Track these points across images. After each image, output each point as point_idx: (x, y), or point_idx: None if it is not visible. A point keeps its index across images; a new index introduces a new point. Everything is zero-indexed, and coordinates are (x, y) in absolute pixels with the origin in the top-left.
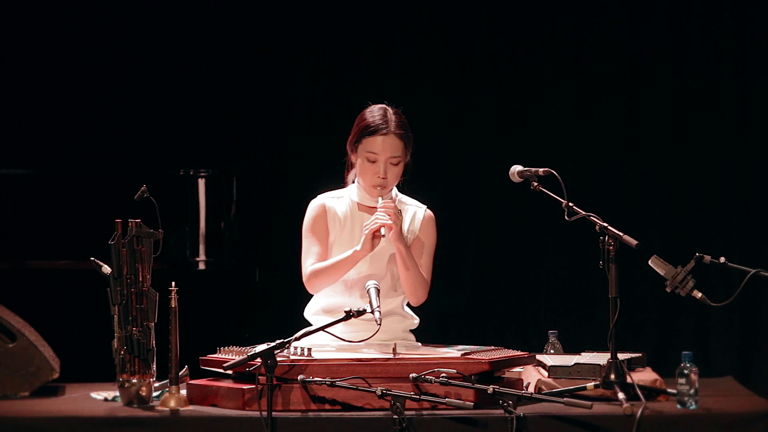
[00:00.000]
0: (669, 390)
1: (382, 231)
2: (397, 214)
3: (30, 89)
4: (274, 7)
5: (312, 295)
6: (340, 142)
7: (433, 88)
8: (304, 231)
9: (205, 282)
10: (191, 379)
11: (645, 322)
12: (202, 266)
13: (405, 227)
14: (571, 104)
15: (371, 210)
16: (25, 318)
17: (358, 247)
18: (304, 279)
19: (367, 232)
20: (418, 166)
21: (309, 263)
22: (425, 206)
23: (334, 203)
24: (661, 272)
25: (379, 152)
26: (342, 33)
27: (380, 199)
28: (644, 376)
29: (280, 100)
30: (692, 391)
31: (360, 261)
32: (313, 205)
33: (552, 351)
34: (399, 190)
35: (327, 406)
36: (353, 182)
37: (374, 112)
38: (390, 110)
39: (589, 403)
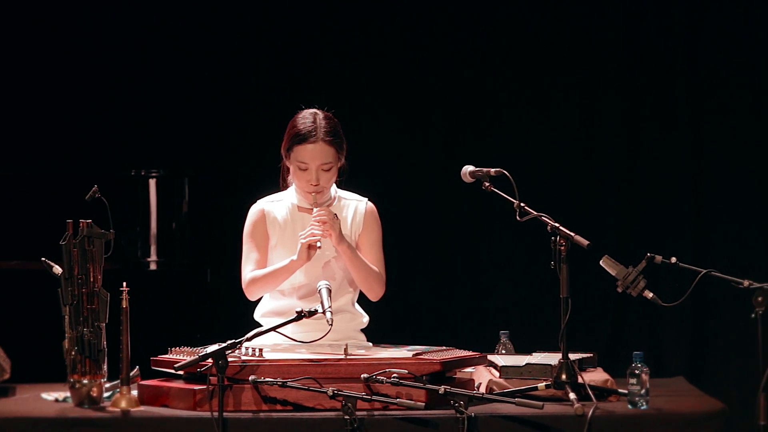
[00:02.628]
0: (620, 390)
1: (318, 244)
2: (333, 219)
3: None
4: (222, 9)
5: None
6: None
7: (386, 87)
8: (244, 236)
9: (157, 282)
10: (142, 379)
11: (596, 322)
12: (153, 267)
13: (348, 222)
14: (524, 104)
15: (311, 211)
16: None
17: (295, 257)
18: (243, 285)
19: (303, 241)
20: (373, 166)
21: (248, 270)
22: (366, 199)
23: (273, 207)
24: (613, 272)
25: (310, 161)
26: (293, 33)
27: (315, 209)
28: (595, 376)
29: (232, 101)
30: (643, 391)
31: (298, 270)
32: (252, 211)
33: (503, 351)
34: (343, 185)
35: (278, 407)
36: (292, 185)
37: (303, 119)
38: (320, 115)
39: (541, 403)
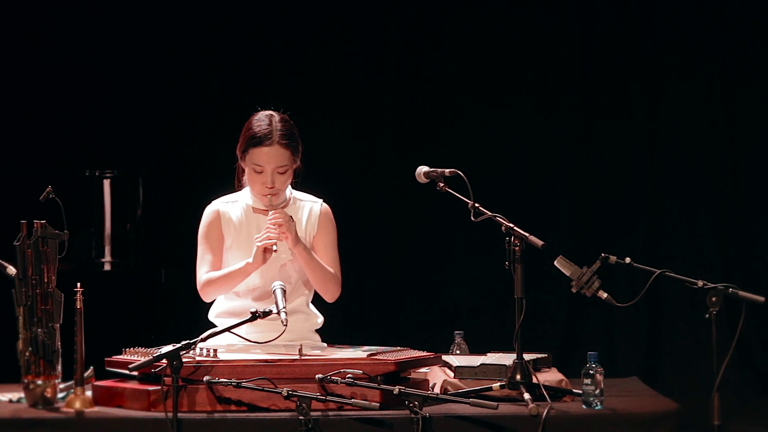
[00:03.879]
0: (574, 390)
1: (274, 247)
2: (289, 221)
3: None
4: (178, 10)
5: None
6: None
7: (340, 88)
8: (198, 237)
9: (111, 283)
10: (97, 380)
11: (551, 322)
12: (107, 267)
13: (303, 223)
14: (479, 105)
15: (266, 212)
16: None
17: (250, 260)
18: (198, 287)
19: (258, 244)
20: (328, 167)
21: (203, 271)
22: (321, 200)
23: (228, 208)
24: (567, 273)
25: (265, 164)
26: (249, 34)
27: (270, 212)
28: (550, 376)
29: (187, 101)
30: (597, 391)
31: (253, 272)
32: (207, 212)
33: (458, 351)
34: (298, 186)
35: (233, 407)
36: (247, 185)
37: (259, 121)
38: (276, 117)
39: (495, 403)
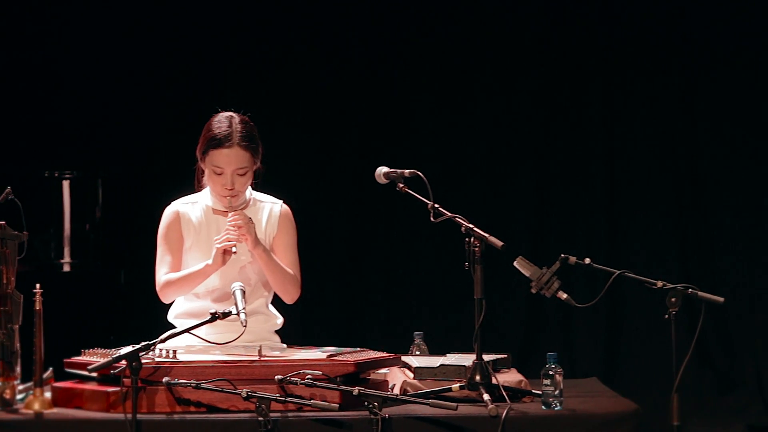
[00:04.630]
0: (534, 391)
1: (233, 249)
2: (248, 223)
3: None
4: (137, 10)
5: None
6: None
7: (299, 89)
8: (158, 239)
9: (70, 284)
10: (56, 381)
11: (510, 323)
12: (67, 268)
13: (262, 224)
14: (438, 106)
15: (226, 213)
16: None
17: (210, 261)
18: (157, 288)
19: (218, 246)
20: (286, 167)
21: (162, 272)
22: (281, 201)
23: (188, 209)
24: (527, 273)
25: (225, 165)
26: (208, 34)
27: (230, 214)
28: (509, 377)
29: (146, 102)
30: (557, 392)
31: (213, 274)
32: (167, 213)
33: (417, 352)
34: (257, 188)
35: (192, 408)
36: (207, 186)
37: (219, 123)
38: (236, 119)
39: (455, 404)
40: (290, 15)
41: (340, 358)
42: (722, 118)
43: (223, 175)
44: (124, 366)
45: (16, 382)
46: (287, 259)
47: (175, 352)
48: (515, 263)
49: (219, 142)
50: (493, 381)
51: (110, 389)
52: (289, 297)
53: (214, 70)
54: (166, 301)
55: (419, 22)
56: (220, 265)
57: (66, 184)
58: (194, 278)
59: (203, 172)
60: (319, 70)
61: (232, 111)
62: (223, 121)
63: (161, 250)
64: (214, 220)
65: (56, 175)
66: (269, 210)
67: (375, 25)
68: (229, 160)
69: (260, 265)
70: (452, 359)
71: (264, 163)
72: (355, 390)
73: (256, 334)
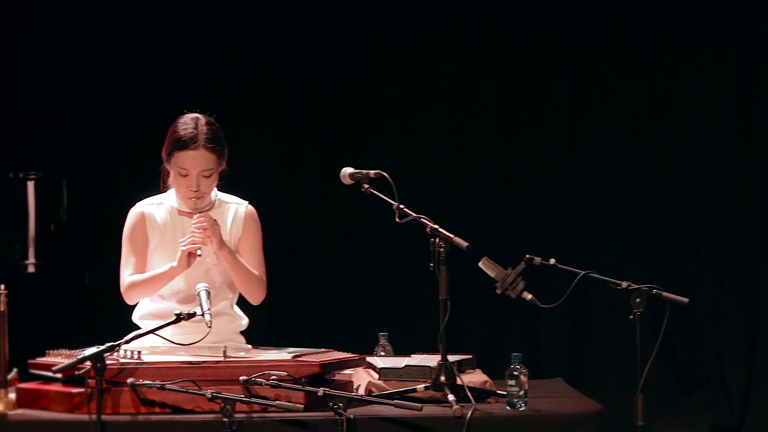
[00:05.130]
0: (499, 391)
1: (198, 252)
2: (214, 225)
3: None
4: (101, 11)
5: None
6: None
7: (264, 89)
8: (123, 240)
9: (35, 285)
10: (20, 382)
11: (475, 324)
12: (31, 269)
13: (228, 225)
14: (403, 106)
15: (191, 215)
16: None
17: (175, 264)
18: (121, 289)
19: (183, 249)
20: (252, 168)
21: (126, 274)
22: (246, 202)
23: (153, 210)
24: (492, 274)
25: (190, 167)
26: (173, 35)
27: (195, 216)
28: (474, 377)
29: (112, 102)
30: (522, 392)
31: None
32: (132, 214)
33: (382, 353)
34: (223, 189)
35: (157, 409)
36: (172, 187)
37: (185, 124)
38: (202, 120)
39: (420, 405)
40: (255, 16)
41: (305, 359)
42: (686, 119)
43: (188, 177)
44: (88, 367)
45: None
46: (253, 260)
47: (139, 353)
48: (480, 264)
49: (184, 143)
50: (458, 381)
51: (75, 390)
52: (255, 298)
53: (180, 71)
54: (130, 302)
55: (383, 22)
56: (185, 267)
57: (31, 184)
58: (159, 280)
59: (168, 173)
60: (284, 70)
61: (198, 112)
62: (189, 122)
63: (126, 251)
64: (179, 221)
65: (21, 176)
66: (234, 211)
67: (339, 26)
68: (195, 162)
69: (225, 267)
70: (417, 360)
71: (229, 164)
72: (320, 391)
73: (221, 335)
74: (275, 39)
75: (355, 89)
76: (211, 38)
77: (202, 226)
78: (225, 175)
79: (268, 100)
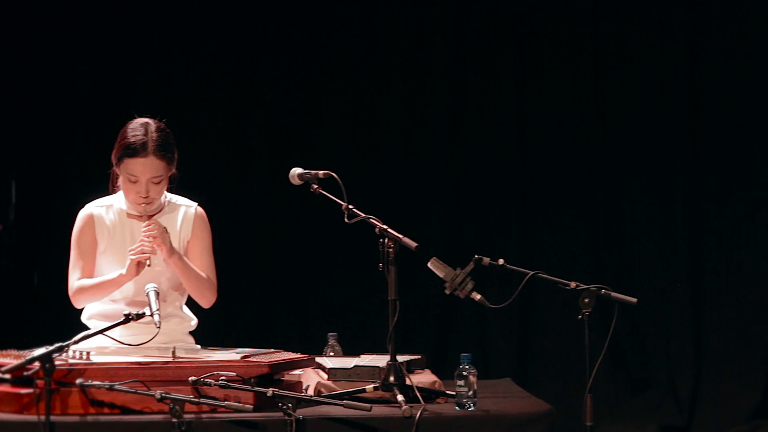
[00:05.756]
0: (448, 392)
1: (148, 262)
2: (163, 233)
3: None
4: (52, 11)
5: None
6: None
7: (211, 91)
8: (72, 242)
9: None
10: None
11: (424, 324)
12: None
13: (177, 226)
14: (352, 107)
15: (141, 217)
16: None
17: (124, 271)
18: (69, 293)
19: (132, 257)
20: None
21: (75, 278)
22: (196, 203)
23: (102, 212)
24: (441, 274)
25: (140, 174)
26: (120, 37)
27: (144, 225)
28: (423, 378)
29: (61, 103)
30: (471, 392)
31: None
32: (81, 216)
33: (332, 353)
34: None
35: (106, 410)
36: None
37: (135, 131)
38: (152, 126)
39: (369, 405)
40: (201, 16)
41: (254, 360)
42: (634, 120)
43: (137, 183)
44: (37, 368)
45: None
46: (203, 263)
47: (89, 353)
48: (429, 264)
49: (134, 151)
50: (407, 382)
51: (23, 391)
52: (206, 302)
53: (128, 72)
54: (78, 306)
55: (330, 21)
56: (134, 275)
57: None
58: (107, 287)
59: (118, 175)
60: (232, 70)
61: (147, 117)
62: (139, 129)
63: (74, 254)
64: (129, 223)
65: None
66: (184, 212)
67: (285, 25)
68: (144, 169)
69: (176, 273)
70: (366, 360)
71: (179, 167)
72: (269, 391)
73: (170, 336)
74: (222, 39)
75: (303, 89)
76: (158, 39)
77: (152, 235)
78: (175, 178)
79: (216, 100)
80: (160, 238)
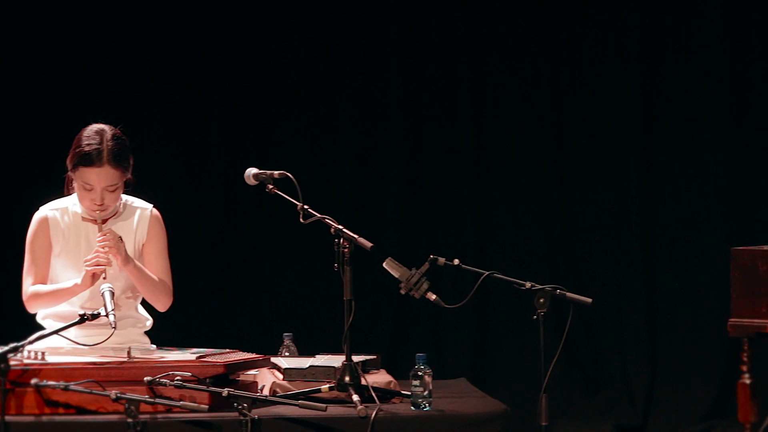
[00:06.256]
0: (403, 392)
1: (103, 275)
2: (118, 243)
3: None
4: (7, 12)
5: None
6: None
7: (169, 91)
8: (26, 246)
9: None
10: None
11: (380, 324)
12: None
13: (133, 228)
14: (307, 107)
15: (95, 221)
16: None
17: (78, 281)
18: (23, 297)
19: (87, 268)
20: (156, 169)
21: (28, 283)
22: (151, 206)
23: (57, 215)
24: (396, 274)
25: (95, 183)
26: (73, 39)
27: (98, 235)
28: (379, 378)
29: (13, 106)
30: (426, 392)
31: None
32: (35, 219)
33: (287, 353)
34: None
35: (61, 410)
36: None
37: (90, 139)
38: (107, 134)
39: (324, 405)
40: (154, 19)
41: (210, 360)
42: (589, 118)
43: (93, 191)
44: None
45: None
46: (158, 266)
47: (43, 353)
48: (384, 264)
49: (89, 160)
50: (363, 382)
51: None
52: (162, 306)
53: (83, 73)
54: (31, 311)
55: (279, 21)
56: (89, 286)
57: None
58: (61, 295)
59: (73, 180)
60: (186, 70)
61: (103, 123)
62: (94, 137)
63: (29, 257)
64: (83, 227)
65: None
66: (139, 215)
67: (240, 25)
68: (99, 178)
69: (132, 280)
70: (322, 360)
71: (134, 172)
72: (225, 391)
73: (125, 336)
74: (176, 39)
75: (258, 90)
76: (111, 40)
77: (107, 245)
78: (130, 183)
79: (170, 101)
80: (115, 249)
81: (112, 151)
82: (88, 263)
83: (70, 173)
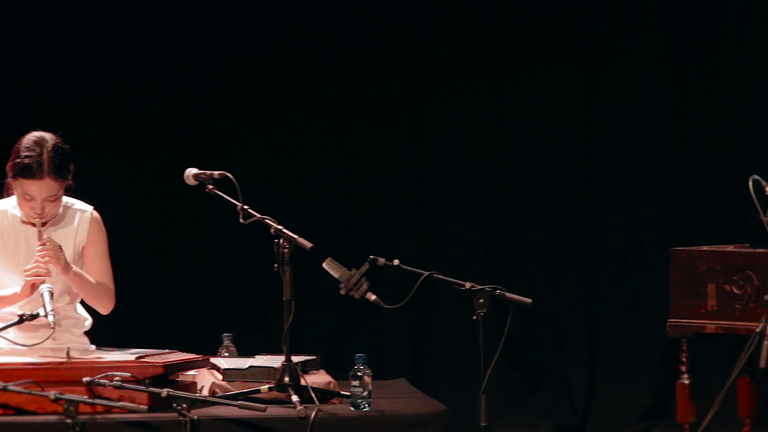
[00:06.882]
0: (342, 392)
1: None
2: (58, 252)
3: None
4: None
5: None
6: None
7: (106, 89)
8: None
9: None
10: None
11: (319, 324)
12: None
13: (73, 230)
14: (246, 104)
15: (34, 224)
16: None
17: (18, 290)
18: None
19: (27, 278)
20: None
21: None
22: (91, 207)
23: None
24: (336, 275)
25: (35, 194)
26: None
27: (37, 245)
28: (318, 378)
29: None
30: (365, 393)
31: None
32: None
33: (226, 354)
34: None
35: (0, 411)
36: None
37: (29, 150)
38: (48, 144)
39: (263, 405)
40: (97, 19)
41: (149, 360)
42: (530, 115)
43: (33, 201)
44: None
45: None
46: (99, 268)
47: None
48: (324, 265)
49: (30, 173)
50: (302, 382)
51: None
52: (104, 309)
53: (22, 75)
54: None
55: (218, 19)
56: (28, 295)
57: None
58: (1, 302)
59: (11, 186)
60: (126, 71)
61: (43, 131)
62: (34, 147)
63: None
64: (23, 229)
65: None
66: (79, 216)
67: (182, 23)
68: (41, 190)
69: (73, 287)
70: (261, 361)
71: (74, 177)
72: (164, 392)
73: (64, 336)
74: (117, 40)
75: (197, 89)
76: (52, 39)
77: (47, 255)
78: (70, 188)
79: (109, 101)
80: (54, 258)
81: (52, 162)
82: (27, 273)
83: (10, 180)
